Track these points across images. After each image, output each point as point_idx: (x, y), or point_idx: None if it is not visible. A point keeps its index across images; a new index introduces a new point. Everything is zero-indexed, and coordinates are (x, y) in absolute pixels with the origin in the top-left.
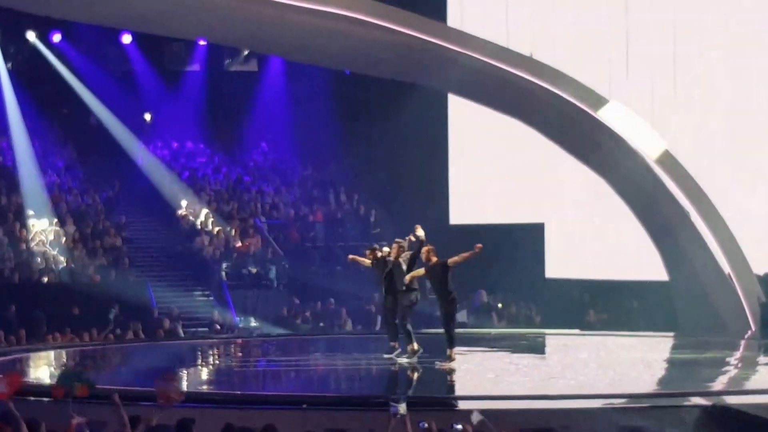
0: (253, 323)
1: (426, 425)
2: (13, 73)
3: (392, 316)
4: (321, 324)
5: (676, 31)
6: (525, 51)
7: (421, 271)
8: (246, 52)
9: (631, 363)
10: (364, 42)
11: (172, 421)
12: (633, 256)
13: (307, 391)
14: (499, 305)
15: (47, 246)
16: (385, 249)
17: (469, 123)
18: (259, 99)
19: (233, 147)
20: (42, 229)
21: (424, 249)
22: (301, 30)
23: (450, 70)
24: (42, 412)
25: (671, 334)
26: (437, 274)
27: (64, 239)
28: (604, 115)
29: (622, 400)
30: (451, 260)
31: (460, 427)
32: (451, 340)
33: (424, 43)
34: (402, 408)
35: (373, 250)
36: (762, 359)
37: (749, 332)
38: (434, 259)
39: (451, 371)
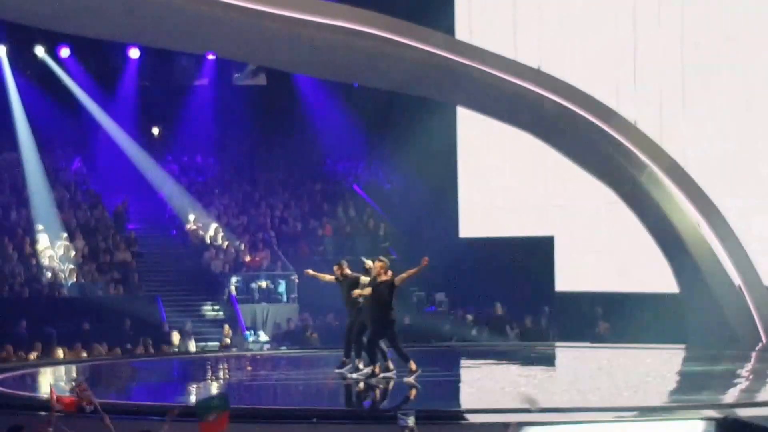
0: (263, 337)
1: None
2: (22, 88)
3: (358, 334)
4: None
5: (684, 42)
6: (533, 64)
7: (368, 290)
8: (254, 67)
9: (642, 375)
10: (373, 56)
11: None
12: (643, 269)
13: (318, 404)
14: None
15: (57, 261)
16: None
17: (478, 136)
18: (266, 113)
19: (242, 161)
20: (51, 245)
21: (378, 265)
22: (310, 44)
23: (460, 83)
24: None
25: (682, 346)
26: (383, 292)
27: (73, 254)
28: (613, 127)
29: (633, 413)
30: (398, 278)
31: None
32: (405, 355)
33: (434, 57)
34: (411, 421)
35: (340, 266)
36: None
37: (760, 344)
38: (385, 277)
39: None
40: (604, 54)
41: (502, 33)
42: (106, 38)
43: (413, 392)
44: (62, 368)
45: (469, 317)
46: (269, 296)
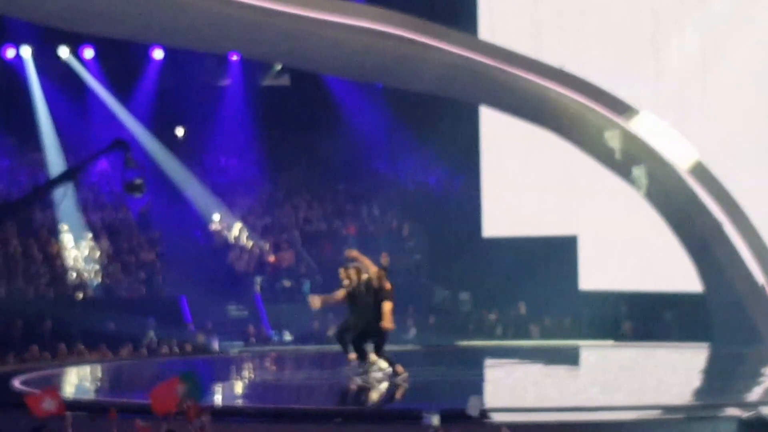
0: (287, 337)
1: None
2: (47, 88)
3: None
4: None
5: (704, 41)
6: (556, 63)
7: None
8: (279, 67)
9: (665, 374)
10: (395, 56)
11: None
12: (667, 268)
13: (341, 404)
14: None
15: (81, 262)
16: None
17: (501, 135)
18: (290, 113)
19: (266, 161)
20: (76, 245)
21: (376, 272)
22: (336, 46)
23: (489, 85)
24: (83, 427)
25: (706, 345)
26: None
27: (98, 255)
28: (635, 126)
29: (657, 412)
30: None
31: None
32: (390, 360)
33: (464, 59)
34: (435, 420)
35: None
36: None
37: None
38: (388, 285)
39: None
40: (625, 51)
41: (524, 32)
42: (129, 39)
43: (439, 391)
44: (87, 368)
45: (492, 316)
46: (293, 296)
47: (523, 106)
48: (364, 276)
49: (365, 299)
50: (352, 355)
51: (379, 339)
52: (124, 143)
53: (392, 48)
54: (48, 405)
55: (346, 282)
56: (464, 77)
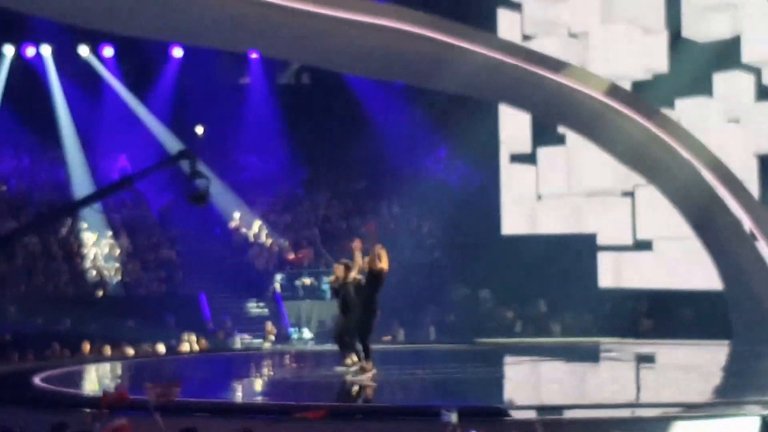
0: (307, 334)
1: None
2: (67, 87)
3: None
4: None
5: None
6: (577, 62)
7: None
8: (297, 66)
9: (685, 372)
10: (415, 55)
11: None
12: (687, 265)
13: (362, 401)
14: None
15: (101, 259)
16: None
17: (520, 132)
18: (310, 111)
19: (285, 159)
20: (96, 243)
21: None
22: (356, 44)
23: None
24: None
25: (725, 343)
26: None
27: (118, 252)
28: (655, 123)
29: (678, 409)
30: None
31: None
32: (369, 352)
33: (479, 57)
34: (454, 417)
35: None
36: None
37: None
38: (380, 265)
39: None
40: (645, 49)
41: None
42: (149, 38)
43: (459, 389)
44: (107, 365)
45: (509, 314)
46: (313, 293)
47: (543, 104)
48: (353, 274)
49: (352, 299)
50: (349, 360)
51: (365, 329)
52: (189, 153)
53: (414, 48)
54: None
55: (332, 278)
56: (488, 77)
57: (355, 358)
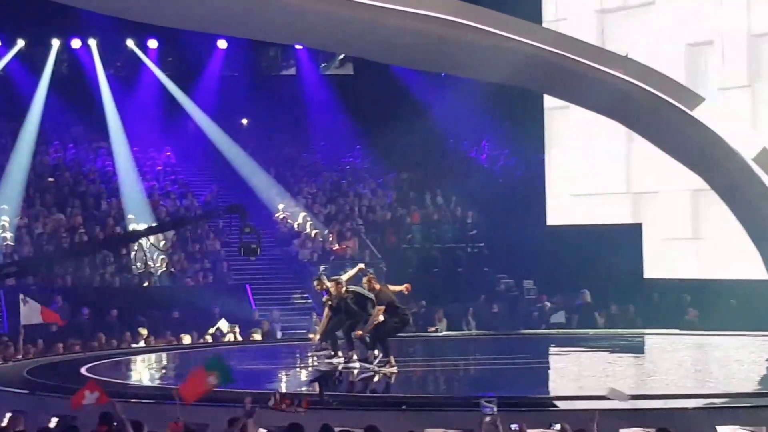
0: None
1: (518, 427)
2: (112, 80)
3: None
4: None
5: None
6: (621, 51)
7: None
8: (341, 56)
9: (731, 363)
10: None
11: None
12: (732, 255)
13: (406, 392)
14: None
15: (147, 250)
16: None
17: (564, 122)
18: (354, 102)
19: (329, 150)
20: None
21: (366, 279)
22: (401, 35)
23: (550, 73)
24: (145, 413)
25: None
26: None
27: (163, 244)
28: (700, 113)
29: (722, 400)
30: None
31: (558, 427)
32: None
33: (526, 47)
34: (494, 408)
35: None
36: None
37: None
38: (377, 287)
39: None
40: (690, 38)
41: (588, 20)
42: (194, 30)
43: (501, 380)
44: (152, 356)
45: (548, 304)
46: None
47: (587, 95)
48: (344, 289)
49: (353, 308)
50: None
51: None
52: (240, 209)
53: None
54: (89, 399)
55: (326, 298)
56: (533, 68)
57: (354, 355)
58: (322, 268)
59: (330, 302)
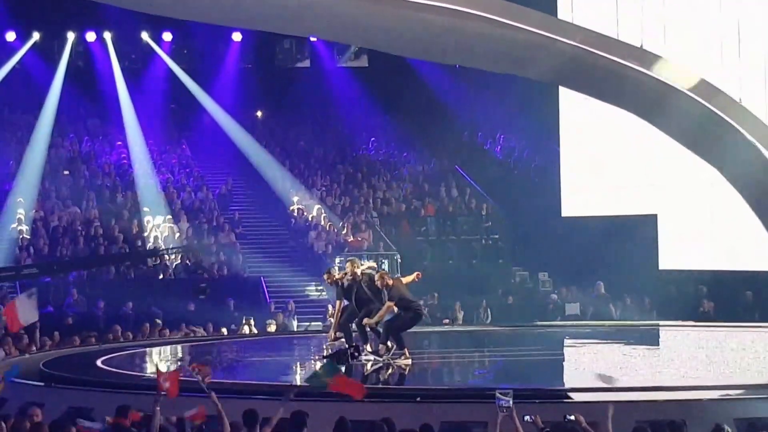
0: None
1: (531, 419)
2: (127, 72)
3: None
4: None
5: None
6: (635, 42)
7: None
8: (356, 48)
9: (746, 354)
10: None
11: (287, 415)
12: (748, 247)
13: (421, 384)
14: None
15: (162, 243)
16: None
17: (580, 114)
18: (368, 94)
19: (343, 142)
20: (157, 227)
21: (378, 275)
22: (418, 26)
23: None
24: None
25: None
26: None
27: (178, 236)
28: (717, 105)
29: (738, 392)
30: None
31: (572, 418)
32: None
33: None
34: (510, 401)
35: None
36: None
37: None
38: (390, 282)
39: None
40: (707, 29)
41: (602, 10)
42: (211, 23)
43: (517, 371)
44: (168, 348)
45: (554, 296)
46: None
47: (602, 86)
48: (360, 270)
49: (366, 296)
50: (382, 347)
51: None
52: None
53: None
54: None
55: (341, 274)
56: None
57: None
58: (337, 260)
59: (343, 283)
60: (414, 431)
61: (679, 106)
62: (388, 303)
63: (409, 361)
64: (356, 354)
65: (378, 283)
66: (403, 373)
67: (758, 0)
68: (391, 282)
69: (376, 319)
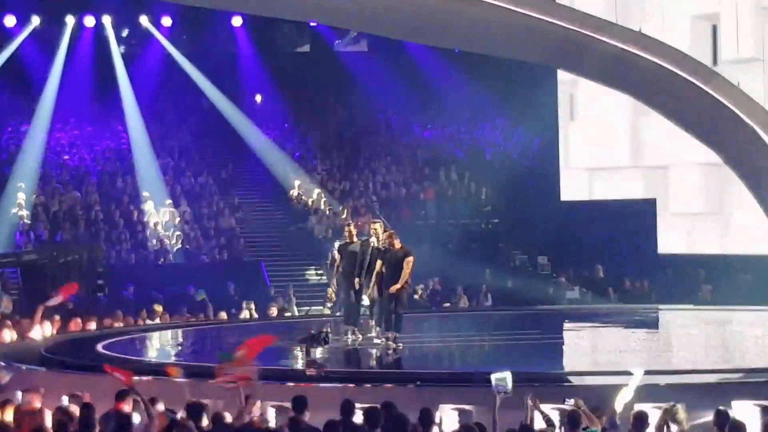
0: (365, 301)
1: (531, 402)
2: (126, 57)
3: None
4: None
5: None
6: (634, 26)
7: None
8: (355, 33)
9: (745, 338)
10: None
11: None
12: (746, 230)
13: (421, 368)
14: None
15: (162, 227)
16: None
17: (578, 98)
18: (367, 77)
19: (343, 126)
20: (157, 211)
21: (386, 234)
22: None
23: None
24: (160, 390)
25: None
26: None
27: (178, 220)
28: (714, 88)
29: (738, 375)
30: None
31: (571, 401)
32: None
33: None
34: (507, 387)
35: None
36: None
37: None
38: (397, 244)
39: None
40: (704, 12)
41: None
42: (213, 8)
43: (514, 355)
44: (168, 333)
45: (562, 279)
46: None
47: (603, 70)
48: (397, 242)
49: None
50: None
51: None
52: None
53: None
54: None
55: (373, 239)
56: (543, 41)
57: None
58: (336, 244)
59: (380, 247)
60: (375, 408)
61: (678, 88)
62: (407, 259)
63: (401, 346)
64: (328, 339)
65: (386, 243)
66: (403, 357)
67: None
68: (398, 244)
69: (404, 279)
